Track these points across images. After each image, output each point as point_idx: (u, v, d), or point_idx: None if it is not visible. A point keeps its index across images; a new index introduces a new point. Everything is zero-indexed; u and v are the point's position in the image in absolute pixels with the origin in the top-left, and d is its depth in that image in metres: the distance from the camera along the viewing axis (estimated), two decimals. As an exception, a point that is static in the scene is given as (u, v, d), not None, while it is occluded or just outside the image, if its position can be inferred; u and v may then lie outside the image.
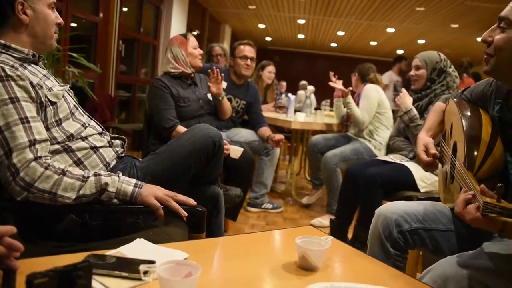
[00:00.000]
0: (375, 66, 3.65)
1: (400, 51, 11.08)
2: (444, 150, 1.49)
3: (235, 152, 2.53)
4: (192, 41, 2.63)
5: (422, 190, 2.35)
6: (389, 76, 6.05)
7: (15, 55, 1.30)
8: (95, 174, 1.27)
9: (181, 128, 2.47)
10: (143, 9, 5.78)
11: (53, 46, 1.41)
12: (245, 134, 3.26)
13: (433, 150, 1.43)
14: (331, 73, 3.51)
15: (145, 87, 6.24)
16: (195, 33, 8.29)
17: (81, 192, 1.23)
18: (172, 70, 2.57)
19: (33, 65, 1.36)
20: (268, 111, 4.16)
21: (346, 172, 2.87)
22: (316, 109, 5.08)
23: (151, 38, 6.19)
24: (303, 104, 4.37)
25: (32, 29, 1.33)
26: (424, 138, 1.51)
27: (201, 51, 2.64)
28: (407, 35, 9.45)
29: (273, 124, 3.91)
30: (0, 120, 1.16)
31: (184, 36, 2.63)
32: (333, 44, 12.44)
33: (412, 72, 2.55)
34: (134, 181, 1.32)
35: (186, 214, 1.33)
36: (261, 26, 10.35)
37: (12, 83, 1.20)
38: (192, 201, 1.37)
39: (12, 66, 1.24)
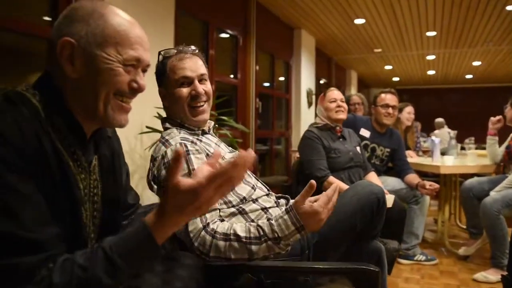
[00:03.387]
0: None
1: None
2: None
3: (388, 200, 2.47)
4: (329, 95, 2.74)
5: None
6: None
7: (189, 131, 1.51)
8: (266, 240, 1.26)
9: (332, 179, 2.50)
10: (274, 65, 6.12)
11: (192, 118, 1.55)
12: (391, 182, 3.17)
13: None
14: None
15: (280, 139, 6.49)
16: (322, 81, 8.47)
17: (253, 255, 1.27)
18: (317, 122, 2.74)
19: (206, 135, 1.55)
20: (410, 157, 3.97)
21: (514, 220, 2.56)
22: (462, 148, 4.71)
23: (283, 92, 6.49)
24: (448, 145, 4.10)
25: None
26: None
27: (340, 104, 2.70)
28: (560, 56, 8.38)
29: (417, 170, 3.72)
30: None
31: (324, 93, 2.78)
32: (468, 76, 11.58)
33: None
34: (283, 213, 1.29)
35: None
36: (388, 67, 10.15)
37: (192, 157, 1.38)
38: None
39: (192, 142, 1.43)
